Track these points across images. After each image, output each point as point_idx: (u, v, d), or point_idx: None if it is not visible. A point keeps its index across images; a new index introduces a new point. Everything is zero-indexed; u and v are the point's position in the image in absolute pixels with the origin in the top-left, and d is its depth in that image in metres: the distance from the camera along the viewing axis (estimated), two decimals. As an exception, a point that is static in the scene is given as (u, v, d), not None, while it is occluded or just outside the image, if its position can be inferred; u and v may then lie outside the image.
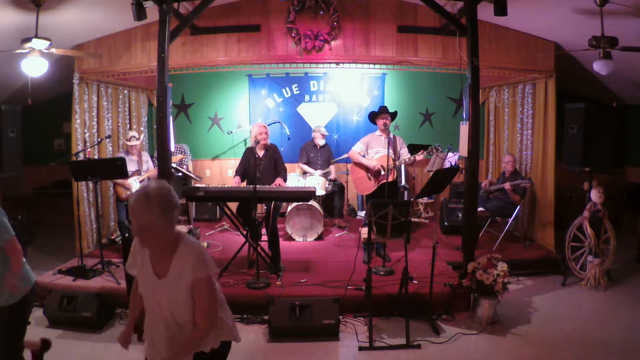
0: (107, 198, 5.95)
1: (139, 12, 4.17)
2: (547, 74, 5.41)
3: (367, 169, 4.95)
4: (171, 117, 4.52)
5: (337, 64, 5.51)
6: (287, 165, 5.09)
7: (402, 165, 6.51)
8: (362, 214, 7.10)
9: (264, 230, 5.04)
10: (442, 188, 4.20)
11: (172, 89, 4.63)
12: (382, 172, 4.83)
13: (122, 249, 3.56)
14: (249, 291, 4.20)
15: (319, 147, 6.75)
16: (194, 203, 6.79)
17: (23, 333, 2.69)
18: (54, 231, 6.47)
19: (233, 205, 4.77)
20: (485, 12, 4.48)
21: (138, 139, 5.43)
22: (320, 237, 6.01)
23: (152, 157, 5.78)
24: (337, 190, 6.81)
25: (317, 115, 7.52)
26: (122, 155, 5.25)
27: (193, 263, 1.81)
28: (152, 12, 4.32)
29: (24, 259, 2.69)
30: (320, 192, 6.15)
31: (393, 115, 5.01)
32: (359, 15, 5.38)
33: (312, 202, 5.84)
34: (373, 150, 5.00)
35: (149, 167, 5.55)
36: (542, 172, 5.65)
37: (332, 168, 6.78)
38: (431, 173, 4.86)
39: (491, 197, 5.84)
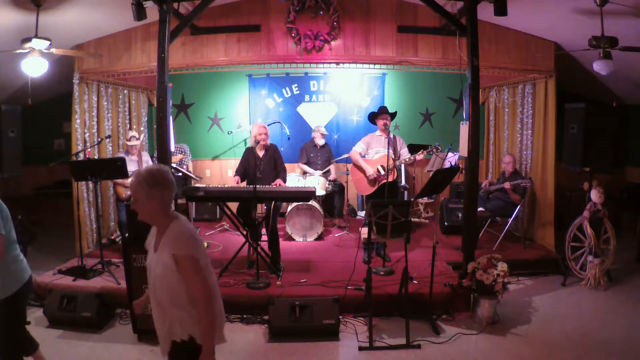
0: (107, 198, 5.95)
1: (139, 12, 4.17)
2: (547, 74, 5.41)
3: (365, 171, 4.95)
4: (171, 117, 4.52)
5: (337, 64, 5.51)
6: (287, 165, 5.10)
7: (402, 165, 6.51)
8: (362, 214, 7.10)
9: (264, 230, 5.04)
10: (442, 188, 4.20)
11: (172, 89, 4.63)
12: (382, 173, 4.83)
13: (122, 249, 3.56)
14: (249, 291, 4.20)
15: (318, 147, 6.75)
16: (194, 203, 6.79)
17: (18, 329, 2.70)
18: (54, 231, 6.47)
19: (233, 205, 4.77)
20: (485, 12, 4.48)
21: (138, 139, 5.43)
22: (320, 237, 6.01)
23: (152, 157, 5.78)
24: (337, 190, 6.81)
25: (317, 115, 7.52)
26: (122, 155, 5.25)
27: (172, 238, 1.95)
28: (152, 12, 4.32)
29: (21, 257, 2.74)
30: (320, 192, 6.15)
31: (392, 115, 5.01)
32: (359, 15, 5.38)
33: (312, 202, 5.84)
34: (373, 150, 5.00)
35: (149, 167, 5.54)
36: (542, 172, 5.65)
37: (332, 168, 6.77)
38: (431, 173, 4.86)
39: (491, 197, 5.84)
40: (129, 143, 5.37)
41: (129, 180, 5.52)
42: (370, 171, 4.87)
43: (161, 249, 1.97)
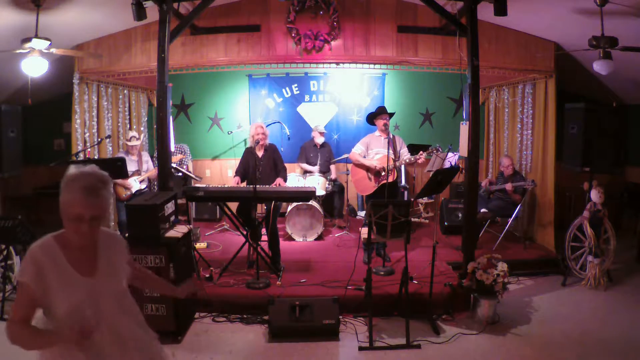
0: (107, 198, 5.94)
1: (139, 12, 4.18)
2: (547, 74, 5.41)
3: (368, 169, 4.95)
4: (171, 117, 4.52)
5: (337, 64, 5.51)
6: (287, 165, 5.10)
7: (402, 166, 6.51)
8: (362, 214, 7.10)
9: (264, 230, 5.04)
10: (442, 188, 4.20)
11: (172, 89, 4.63)
12: (383, 173, 4.83)
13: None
14: (249, 291, 4.20)
15: (318, 146, 6.75)
16: (194, 203, 6.79)
17: None
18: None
19: (233, 205, 4.77)
20: (485, 12, 4.48)
21: (138, 139, 5.43)
22: (320, 237, 6.01)
23: (152, 157, 5.78)
24: (337, 190, 6.81)
25: (317, 115, 7.52)
26: (122, 155, 5.26)
27: (119, 241, 1.83)
28: (152, 12, 4.32)
29: None
30: (320, 192, 6.15)
31: (390, 115, 5.00)
32: (359, 15, 5.38)
33: (312, 202, 5.84)
34: (373, 150, 4.99)
35: (149, 167, 5.55)
36: (542, 172, 5.65)
37: (332, 168, 6.77)
38: (431, 173, 4.86)
39: (492, 197, 5.84)
40: (129, 143, 5.37)
41: (128, 180, 5.51)
42: (374, 163, 4.84)
43: (109, 260, 1.72)
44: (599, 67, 4.13)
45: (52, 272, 1.57)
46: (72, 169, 1.61)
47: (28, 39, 4.06)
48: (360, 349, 3.50)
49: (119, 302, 1.72)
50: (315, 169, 6.47)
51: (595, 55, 4.16)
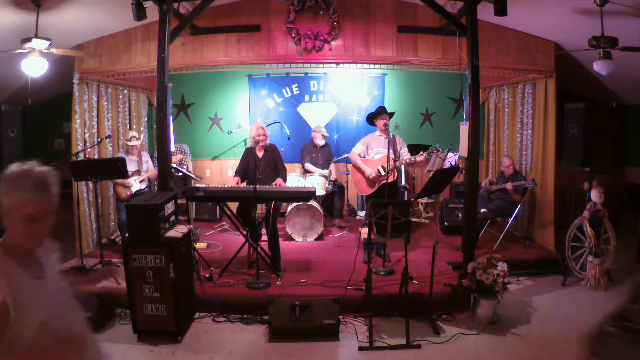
0: (107, 198, 5.95)
1: (139, 12, 4.18)
2: (547, 74, 5.41)
3: (364, 172, 4.94)
4: (171, 117, 4.52)
5: (337, 64, 5.51)
6: (287, 165, 5.10)
7: (402, 166, 6.50)
8: (362, 214, 7.10)
9: (264, 230, 5.04)
10: (442, 188, 4.20)
11: (172, 89, 4.63)
12: (382, 173, 4.82)
13: (122, 249, 3.56)
14: (249, 291, 4.20)
15: (319, 147, 6.75)
16: (194, 203, 6.79)
17: None
18: (54, 231, 6.45)
19: (233, 205, 4.77)
20: (485, 12, 4.48)
21: (138, 139, 5.43)
22: (320, 237, 6.01)
23: (152, 157, 5.78)
24: (337, 190, 6.81)
25: (317, 115, 7.52)
26: (122, 155, 5.26)
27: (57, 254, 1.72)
28: (152, 12, 4.32)
29: None
30: (320, 192, 6.15)
31: (390, 115, 5.00)
32: (359, 15, 5.38)
33: (312, 202, 5.84)
34: (373, 150, 5.00)
35: (149, 167, 5.55)
36: (542, 172, 5.65)
37: (332, 168, 6.77)
38: (431, 173, 4.86)
39: (492, 197, 5.83)
40: (129, 143, 5.37)
41: (128, 180, 5.50)
42: (369, 171, 4.85)
43: (54, 266, 1.63)
44: (599, 67, 4.13)
45: (14, 280, 1.41)
46: (13, 167, 1.48)
47: (28, 39, 4.07)
48: (360, 349, 3.50)
49: (70, 298, 1.65)
50: (325, 172, 6.45)
51: (595, 55, 4.17)
